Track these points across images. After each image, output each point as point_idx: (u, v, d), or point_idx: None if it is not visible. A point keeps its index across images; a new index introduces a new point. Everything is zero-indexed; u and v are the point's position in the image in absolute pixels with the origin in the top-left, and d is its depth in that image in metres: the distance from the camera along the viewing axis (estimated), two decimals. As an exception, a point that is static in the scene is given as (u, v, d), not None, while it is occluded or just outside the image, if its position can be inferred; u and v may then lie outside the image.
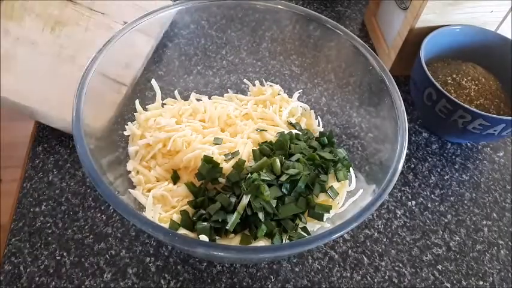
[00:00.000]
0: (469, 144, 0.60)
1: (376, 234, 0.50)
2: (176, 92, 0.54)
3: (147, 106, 0.51)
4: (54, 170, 0.50)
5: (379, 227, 0.50)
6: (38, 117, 0.50)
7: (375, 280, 0.46)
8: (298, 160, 0.44)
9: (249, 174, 0.42)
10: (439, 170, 0.56)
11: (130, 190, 0.44)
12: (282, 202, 0.42)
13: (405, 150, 0.40)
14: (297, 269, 0.46)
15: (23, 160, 0.51)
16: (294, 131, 0.49)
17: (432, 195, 0.54)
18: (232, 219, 0.40)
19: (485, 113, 0.49)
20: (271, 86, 0.56)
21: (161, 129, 0.47)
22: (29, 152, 0.52)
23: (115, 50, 0.44)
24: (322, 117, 0.55)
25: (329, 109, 0.55)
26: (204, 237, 0.40)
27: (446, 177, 0.56)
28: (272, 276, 0.45)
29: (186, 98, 0.55)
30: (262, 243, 0.40)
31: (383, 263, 0.48)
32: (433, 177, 0.55)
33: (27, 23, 0.52)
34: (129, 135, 0.48)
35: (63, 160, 0.51)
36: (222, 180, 0.44)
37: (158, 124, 0.47)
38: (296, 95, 0.55)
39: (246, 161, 0.45)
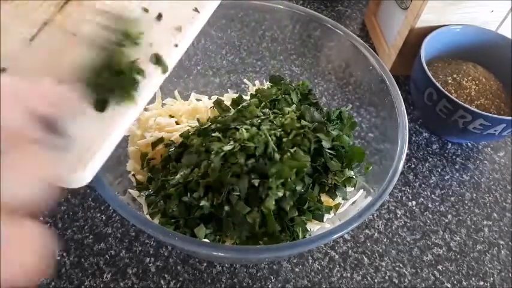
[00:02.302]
0: (469, 144, 0.60)
1: (376, 234, 0.50)
2: (176, 92, 0.54)
3: (146, 106, 0.50)
4: (54, 170, 0.50)
5: (380, 227, 0.50)
6: None
7: (375, 280, 0.46)
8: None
9: None
10: (439, 170, 0.56)
11: (130, 190, 0.43)
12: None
13: (405, 150, 0.40)
14: (297, 269, 0.46)
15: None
16: None
17: (433, 196, 0.54)
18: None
19: (485, 113, 0.49)
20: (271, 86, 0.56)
21: (161, 129, 0.47)
22: (29, 152, 0.52)
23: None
24: (323, 117, 0.55)
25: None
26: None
27: (446, 177, 0.56)
28: (272, 277, 0.45)
29: (186, 98, 0.54)
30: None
31: (383, 263, 0.47)
32: (433, 177, 0.55)
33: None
34: (128, 136, 0.48)
35: (63, 160, 0.51)
36: None
37: (158, 124, 0.47)
38: (296, 95, 0.55)
39: None
